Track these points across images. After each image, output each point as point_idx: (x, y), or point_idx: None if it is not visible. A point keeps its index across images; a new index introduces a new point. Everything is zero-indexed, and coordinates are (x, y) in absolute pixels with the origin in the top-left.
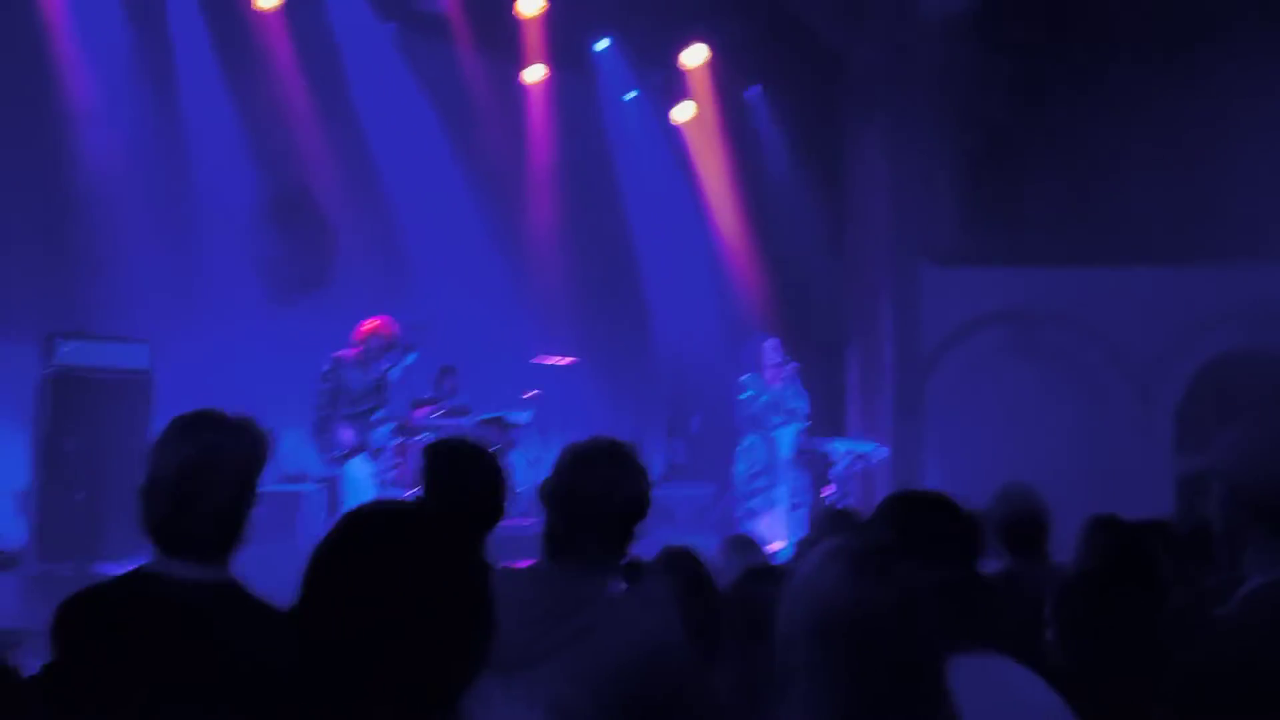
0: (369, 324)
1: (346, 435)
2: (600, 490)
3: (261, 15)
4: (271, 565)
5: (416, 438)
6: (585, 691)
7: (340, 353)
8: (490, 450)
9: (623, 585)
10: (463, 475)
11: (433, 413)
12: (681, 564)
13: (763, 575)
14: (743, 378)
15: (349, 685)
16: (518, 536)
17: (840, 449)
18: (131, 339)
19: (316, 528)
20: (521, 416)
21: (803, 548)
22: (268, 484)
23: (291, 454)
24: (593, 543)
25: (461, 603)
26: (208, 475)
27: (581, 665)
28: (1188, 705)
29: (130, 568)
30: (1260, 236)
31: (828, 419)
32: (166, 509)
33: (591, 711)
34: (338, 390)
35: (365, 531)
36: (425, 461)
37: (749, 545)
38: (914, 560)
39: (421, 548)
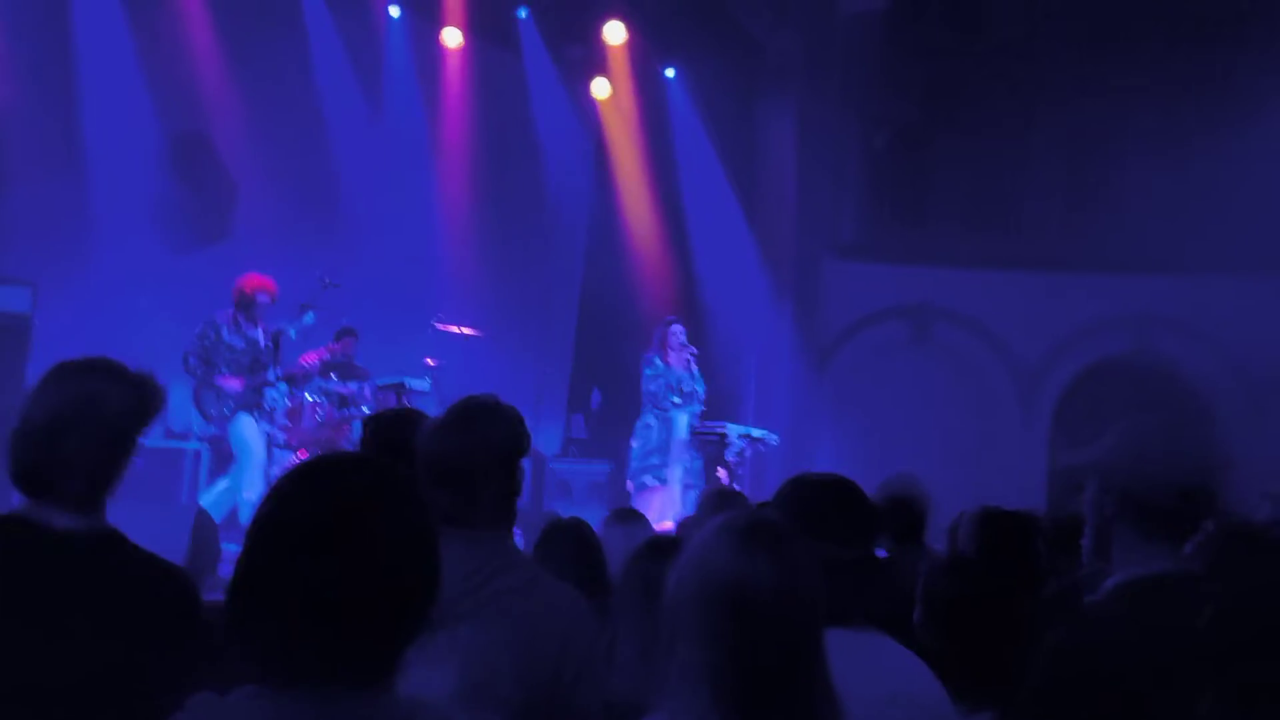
0: (251, 281)
1: (233, 384)
2: (464, 449)
3: None
4: (151, 522)
5: (309, 400)
6: (503, 655)
7: (218, 313)
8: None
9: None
10: (401, 440)
11: (312, 372)
12: (568, 534)
13: (661, 547)
14: (645, 357)
15: (290, 637)
16: None
17: (735, 433)
18: (10, 280)
19: (199, 486)
20: (421, 384)
21: (689, 525)
22: (157, 440)
23: (178, 410)
24: (479, 505)
25: (413, 555)
26: (81, 421)
27: (500, 629)
28: (1052, 683)
29: None
30: (1148, 248)
31: (725, 404)
32: (34, 453)
33: (508, 676)
34: (212, 351)
35: (316, 480)
36: (366, 430)
37: (635, 517)
38: (802, 537)
39: (373, 496)
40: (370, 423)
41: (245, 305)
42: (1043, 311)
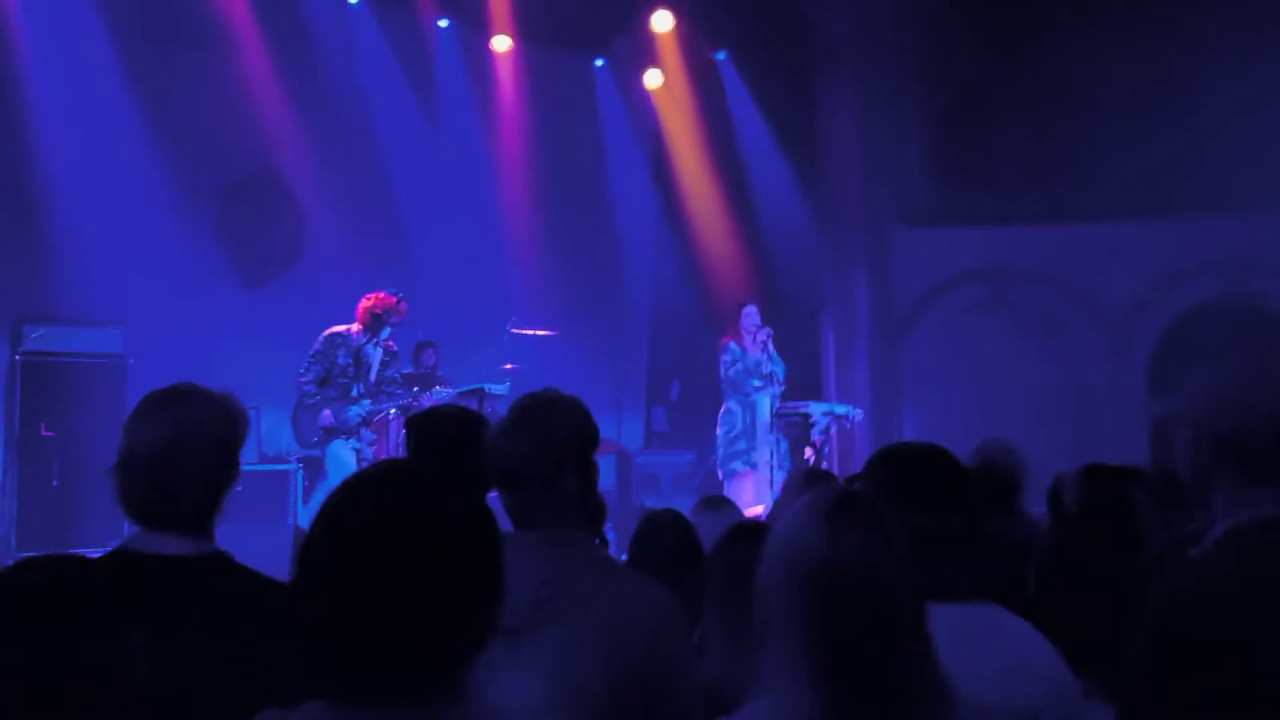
0: (382, 300)
1: (325, 418)
2: (529, 448)
3: None
4: (259, 543)
5: (394, 414)
6: (591, 658)
7: (335, 329)
8: (475, 414)
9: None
10: (446, 441)
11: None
12: (665, 526)
13: (747, 532)
14: (721, 343)
15: (354, 653)
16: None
17: (818, 411)
18: (104, 323)
19: (297, 507)
20: (500, 388)
21: (778, 507)
22: (252, 464)
23: (270, 434)
24: (552, 504)
25: (473, 563)
26: (188, 447)
27: (587, 631)
28: (1157, 641)
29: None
30: (1232, 189)
31: (805, 383)
32: (145, 483)
33: (596, 679)
34: (329, 371)
35: (372, 492)
36: (408, 431)
37: (723, 504)
38: (897, 509)
39: (430, 506)
40: (409, 426)
41: (374, 326)
42: (1125, 262)
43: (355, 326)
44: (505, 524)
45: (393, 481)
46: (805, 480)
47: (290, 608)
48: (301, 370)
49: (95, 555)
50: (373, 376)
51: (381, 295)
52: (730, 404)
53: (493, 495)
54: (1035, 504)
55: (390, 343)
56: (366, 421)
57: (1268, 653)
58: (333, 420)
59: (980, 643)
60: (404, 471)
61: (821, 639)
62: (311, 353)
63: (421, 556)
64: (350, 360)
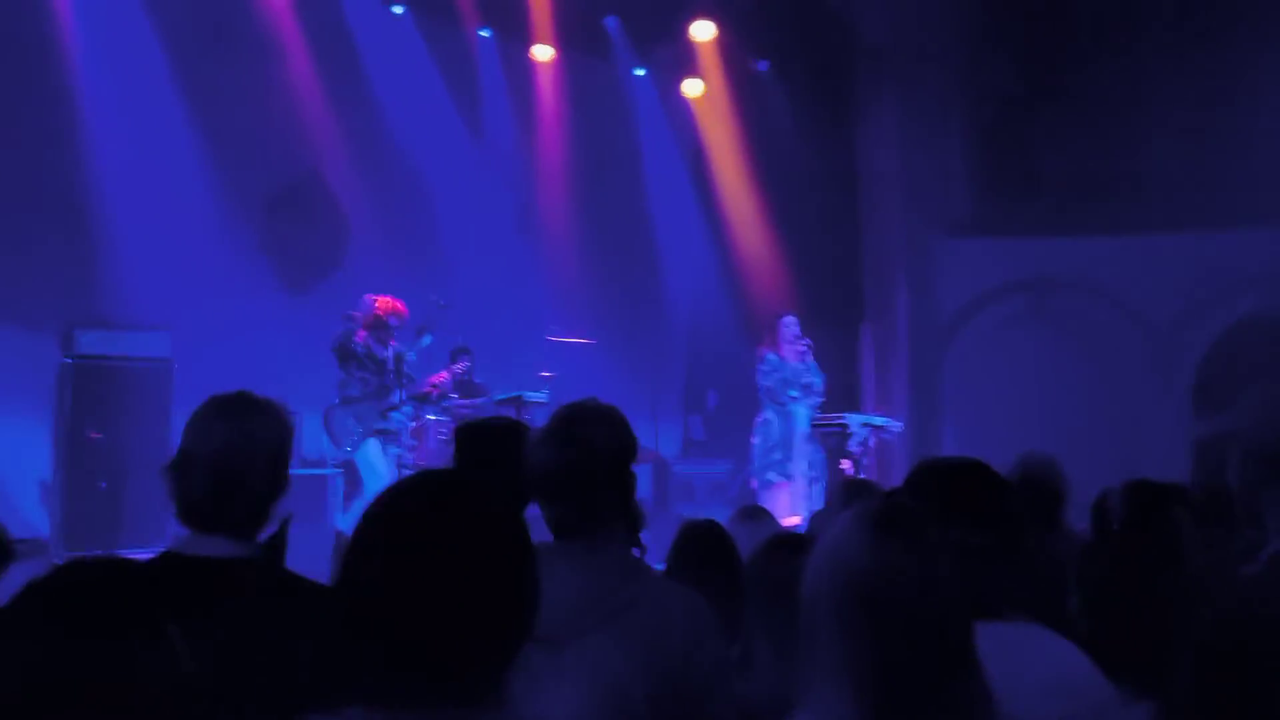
0: (382, 303)
1: (350, 421)
2: (568, 458)
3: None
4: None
5: (431, 419)
6: (629, 668)
7: (351, 313)
8: (522, 424)
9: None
10: (495, 451)
11: (446, 390)
12: (703, 536)
13: (787, 543)
14: (759, 353)
15: (392, 657)
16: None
17: (856, 422)
18: (151, 327)
19: (337, 512)
20: (539, 396)
21: (819, 519)
22: (292, 468)
23: (311, 440)
24: (592, 514)
25: (506, 570)
26: (248, 455)
27: (625, 641)
28: (1214, 659)
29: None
30: (1277, 201)
31: (844, 394)
32: (204, 486)
33: (635, 689)
34: (348, 357)
35: (410, 500)
36: (456, 440)
37: (760, 514)
38: (941, 524)
39: (466, 514)
40: (458, 434)
41: (376, 326)
42: (1171, 274)
43: (361, 332)
44: (545, 535)
45: (436, 489)
46: (849, 491)
47: (332, 611)
48: (341, 381)
49: (142, 557)
50: (404, 373)
51: (387, 298)
52: (767, 414)
53: (534, 509)
54: (1075, 519)
55: (397, 345)
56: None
57: None
58: (358, 426)
59: (1020, 659)
60: (446, 479)
61: (868, 653)
62: (336, 335)
63: (461, 563)
64: (392, 364)
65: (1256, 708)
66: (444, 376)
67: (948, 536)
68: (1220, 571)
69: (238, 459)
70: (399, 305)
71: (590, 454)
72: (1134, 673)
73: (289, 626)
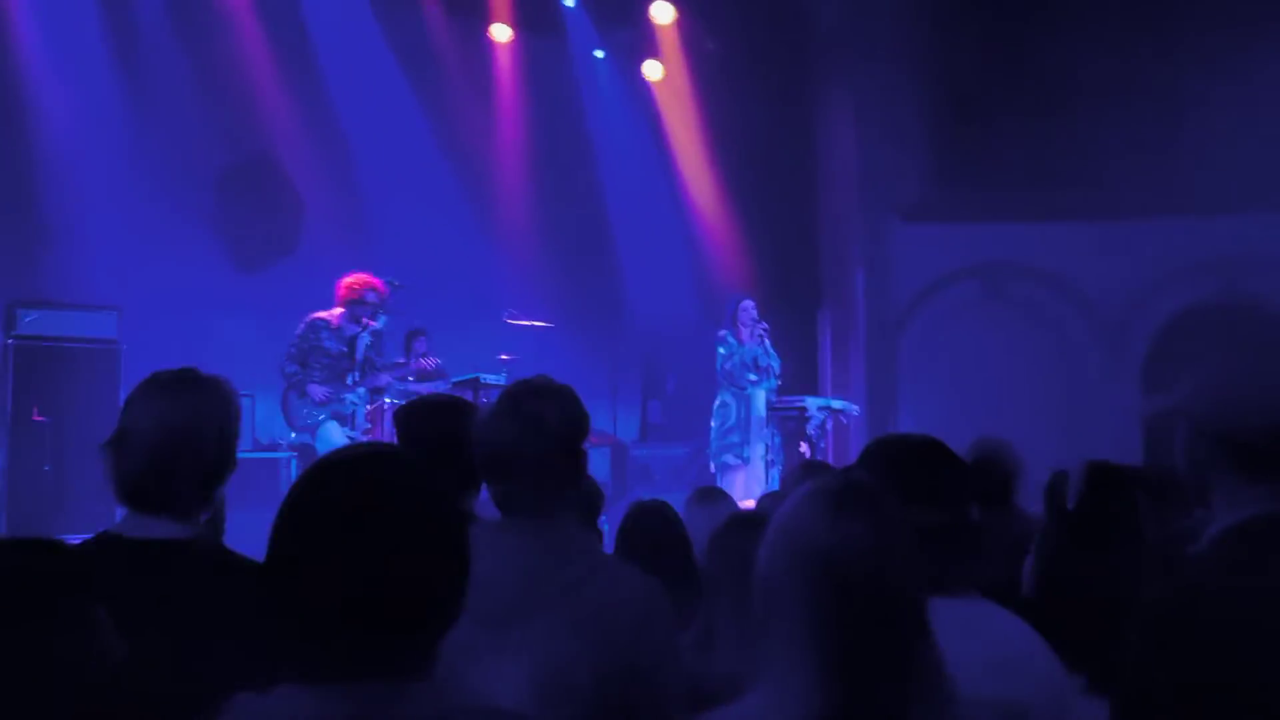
0: (360, 279)
1: (317, 391)
2: (517, 436)
3: None
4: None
5: (388, 403)
6: (575, 646)
7: (317, 315)
8: (464, 402)
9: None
10: (436, 430)
11: (402, 374)
12: (651, 517)
13: (747, 523)
14: (717, 336)
15: (318, 631)
16: None
17: (814, 406)
18: (97, 307)
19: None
20: (496, 379)
21: (769, 501)
22: (246, 451)
23: (264, 422)
24: (539, 492)
25: (433, 542)
26: (190, 432)
27: (572, 619)
28: (1153, 639)
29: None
30: (1228, 189)
31: (802, 378)
32: (143, 466)
33: (581, 667)
34: (309, 354)
35: (334, 473)
36: (396, 422)
37: (717, 496)
38: (895, 500)
39: (390, 486)
40: (397, 415)
41: (353, 304)
42: (1121, 261)
43: (337, 311)
44: (494, 512)
45: (361, 462)
46: (804, 472)
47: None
48: (284, 355)
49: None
50: (359, 357)
51: (360, 275)
52: (725, 397)
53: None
54: (1029, 500)
55: (371, 321)
56: (374, 397)
57: (1264, 652)
58: (325, 395)
59: (972, 636)
60: (372, 452)
61: (826, 628)
62: (295, 336)
63: (385, 535)
64: (344, 347)
65: (1196, 686)
66: (431, 362)
67: (902, 511)
68: (1167, 552)
69: (178, 437)
70: (376, 282)
71: (539, 430)
72: (1083, 651)
73: (227, 607)
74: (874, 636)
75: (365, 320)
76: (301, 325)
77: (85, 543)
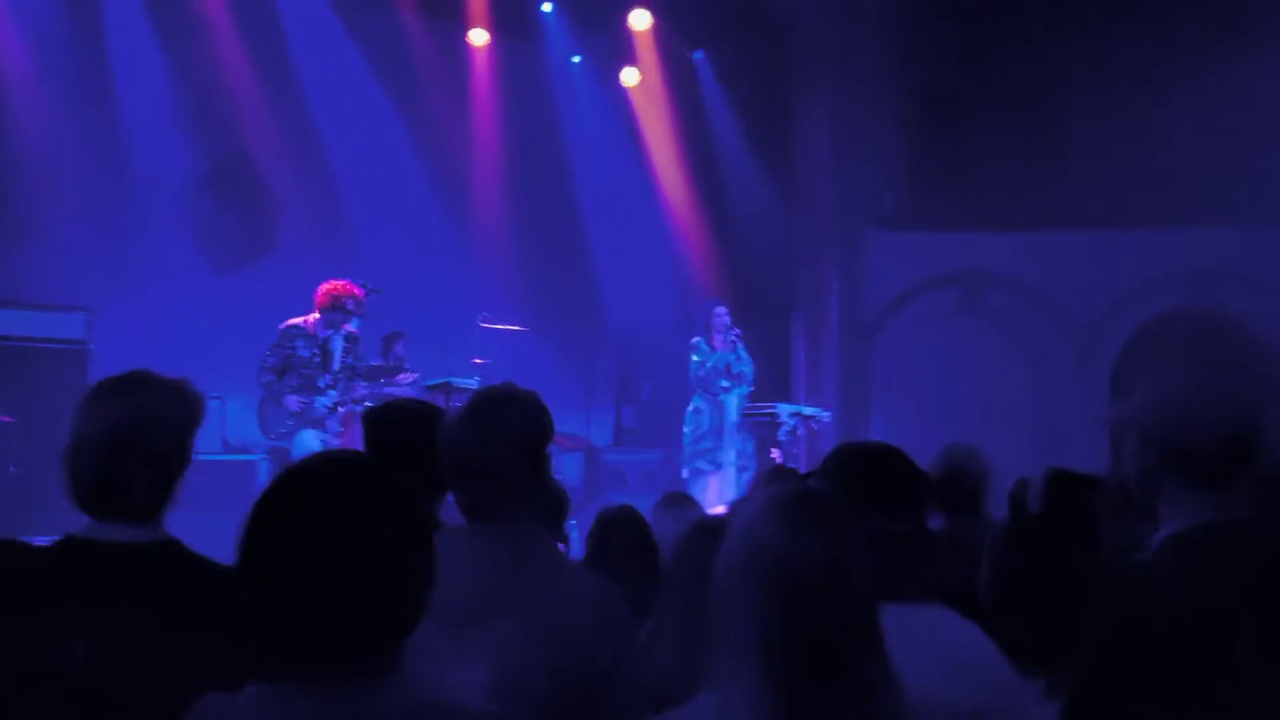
0: (339, 286)
1: (292, 403)
2: (482, 441)
3: None
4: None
5: (360, 405)
6: (533, 649)
7: (292, 321)
8: (431, 407)
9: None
10: (402, 435)
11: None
12: (619, 522)
13: (711, 528)
14: (691, 342)
15: (285, 632)
16: None
17: (786, 412)
18: (66, 307)
19: None
20: (469, 382)
21: (738, 506)
22: (217, 454)
23: (236, 424)
24: (504, 497)
25: (397, 545)
26: (139, 435)
27: (530, 622)
28: (1101, 648)
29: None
30: (1201, 200)
31: (774, 384)
32: (95, 471)
33: (538, 669)
34: (288, 361)
35: (301, 479)
36: (364, 426)
37: (684, 501)
38: (851, 508)
39: (356, 491)
40: (365, 419)
41: (332, 310)
42: (1094, 271)
43: (313, 316)
44: (459, 518)
45: (321, 470)
46: (769, 479)
47: (232, 591)
48: (260, 364)
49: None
50: (335, 364)
51: (340, 282)
52: (698, 403)
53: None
54: (999, 508)
55: (347, 325)
56: (333, 409)
57: (1207, 657)
58: (300, 405)
59: (926, 642)
60: (340, 458)
61: (777, 633)
62: (270, 345)
63: (350, 538)
64: (316, 352)
65: (1142, 692)
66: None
67: (858, 519)
68: (1117, 560)
69: (128, 440)
70: (354, 289)
71: (501, 436)
72: (1041, 657)
73: (192, 609)
74: (822, 643)
75: (342, 325)
76: (277, 334)
77: (49, 546)
